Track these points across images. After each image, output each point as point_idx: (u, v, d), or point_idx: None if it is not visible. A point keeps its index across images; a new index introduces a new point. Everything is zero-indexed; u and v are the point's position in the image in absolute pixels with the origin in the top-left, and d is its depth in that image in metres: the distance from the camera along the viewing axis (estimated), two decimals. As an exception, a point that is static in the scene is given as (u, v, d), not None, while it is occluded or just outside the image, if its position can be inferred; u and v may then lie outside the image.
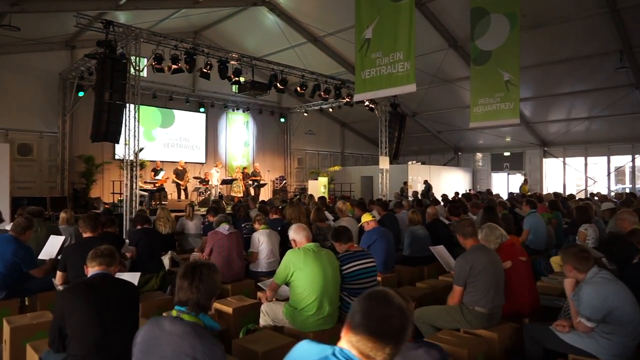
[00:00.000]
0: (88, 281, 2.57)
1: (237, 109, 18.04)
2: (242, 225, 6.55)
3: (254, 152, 19.11)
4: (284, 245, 5.11)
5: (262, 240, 4.95)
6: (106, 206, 10.30)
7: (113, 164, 14.47)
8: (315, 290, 3.12)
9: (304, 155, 21.36)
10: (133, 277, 3.60)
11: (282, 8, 14.35)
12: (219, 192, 15.04)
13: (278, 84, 12.67)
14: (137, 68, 9.86)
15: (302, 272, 3.16)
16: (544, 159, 20.94)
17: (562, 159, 20.43)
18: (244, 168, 16.42)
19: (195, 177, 14.42)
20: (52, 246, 4.60)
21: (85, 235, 3.89)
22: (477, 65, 11.85)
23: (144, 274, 4.38)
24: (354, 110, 18.38)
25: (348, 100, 14.98)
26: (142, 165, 10.95)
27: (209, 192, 14.46)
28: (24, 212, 5.61)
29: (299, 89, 13.57)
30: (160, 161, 13.78)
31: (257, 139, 19.20)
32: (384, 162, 16.44)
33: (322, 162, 22.06)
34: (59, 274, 3.82)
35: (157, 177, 12.61)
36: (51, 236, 4.71)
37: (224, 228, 4.80)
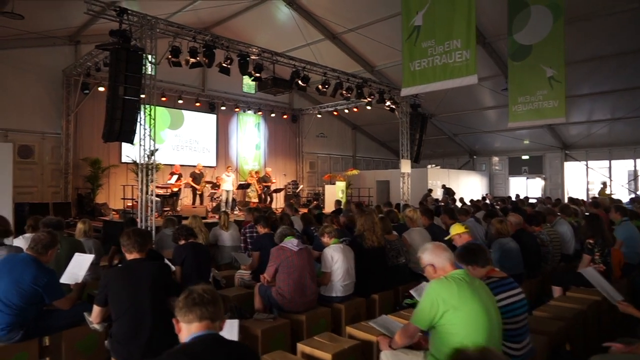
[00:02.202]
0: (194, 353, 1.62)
1: (249, 110, 17.14)
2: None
3: (266, 156, 18.18)
4: (358, 263, 4.20)
5: (335, 257, 4.02)
6: (129, 214, 9.28)
7: (120, 167, 13.50)
8: (480, 336, 2.21)
9: (315, 159, 20.48)
10: (231, 328, 2.59)
11: (300, 1, 13.49)
12: (233, 198, 14.09)
13: (299, 81, 11.76)
14: (154, 60, 8.92)
15: (458, 313, 2.25)
16: (565, 163, 20.15)
17: (584, 162, 19.65)
18: (256, 172, 15.48)
19: (207, 182, 13.48)
20: (78, 267, 3.64)
21: (130, 256, 2.96)
22: (515, 61, 11.04)
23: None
24: (366, 112, 17.57)
25: (370, 99, 14.11)
26: (157, 168, 10.02)
27: (220, 197, 13.52)
28: (36, 222, 4.64)
29: (320, 87, 12.67)
30: (180, 165, 12.87)
31: (268, 142, 18.28)
32: (406, 166, 15.56)
33: (333, 166, 21.20)
34: (96, 309, 2.88)
35: (170, 181, 11.65)
36: (76, 254, 3.74)
37: (292, 243, 3.86)
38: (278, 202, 15.99)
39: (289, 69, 12.09)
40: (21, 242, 4.53)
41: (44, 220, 4.41)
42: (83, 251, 4.19)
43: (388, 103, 14.72)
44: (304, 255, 3.87)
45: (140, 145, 8.99)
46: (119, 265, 3.53)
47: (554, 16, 10.22)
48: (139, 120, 8.63)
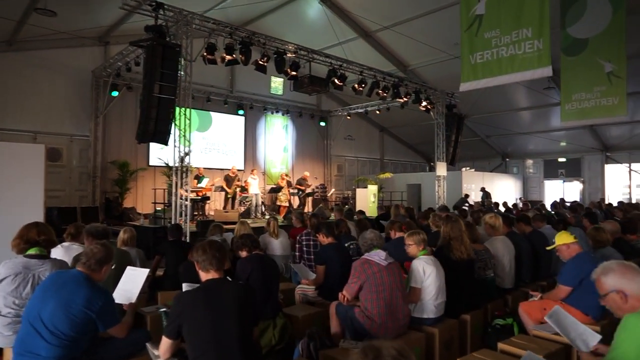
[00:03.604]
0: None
1: (277, 112, 16.66)
2: (345, 244, 5.06)
3: (293, 158, 17.65)
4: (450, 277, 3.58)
5: (428, 271, 3.41)
6: (162, 219, 8.74)
7: (148, 170, 13.11)
8: None
9: (343, 162, 19.88)
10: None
11: (333, -2, 12.97)
12: (262, 202, 13.60)
13: (336, 80, 11.21)
14: (189, 57, 8.47)
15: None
16: (605, 165, 19.16)
17: (627, 164, 18.65)
18: (286, 174, 14.95)
19: (237, 185, 12.98)
20: (131, 283, 3.11)
21: (206, 275, 2.40)
22: (569, 56, 10.29)
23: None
24: (394, 114, 16.95)
25: (406, 99, 13.49)
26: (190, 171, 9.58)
27: (249, 201, 13.02)
28: (77, 230, 4.13)
29: (356, 86, 12.11)
30: (204, 168, 12.40)
31: (296, 144, 17.75)
32: (441, 168, 14.89)
33: (361, 169, 20.59)
34: (167, 342, 2.30)
35: (200, 185, 11.18)
36: (128, 269, 3.21)
37: (379, 256, 3.26)
38: (307, 207, 15.43)
39: (324, 68, 11.58)
40: (60, 252, 4.03)
41: (89, 229, 3.89)
42: (131, 263, 3.68)
43: (424, 103, 14.09)
44: (394, 270, 3.26)
45: (175, 146, 8.54)
46: (183, 284, 2.95)
47: (613, 7, 9.49)
48: (174, 120, 8.18)
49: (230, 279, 2.51)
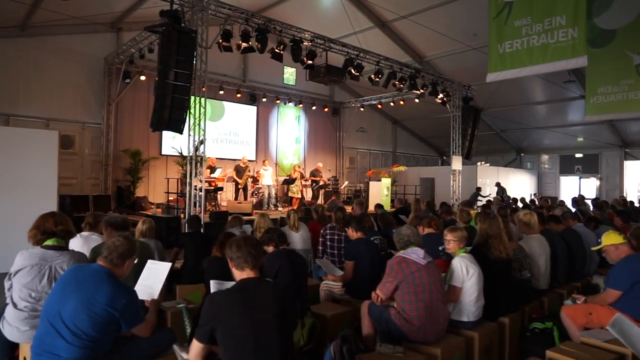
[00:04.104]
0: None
1: (289, 102, 16.42)
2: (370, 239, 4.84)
3: (305, 150, 17.43)
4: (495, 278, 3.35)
5: (471, 271, 3.17)
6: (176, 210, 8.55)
7: (160, 159, 12.97)
8: None
9: (355, 154, 19.64)
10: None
11: (350, -15, 12.66)
12: (274, 194, 13.39)
13: (353, 70, 10.93)
14: (205, 44, 8.25)
15: None
16: (625, 162, 18.73)
17: (647, 161, 18.24)
18: (298, 166, 14.74)
19: (249, 176, 12.80)
20: (153, 278, 2.92)
21: (241, 274, 2.19)
22: (595, 47, 9.91)
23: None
24: (407, 107, 16.65)
25: (422, 91, 13.19)
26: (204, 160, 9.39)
27: (262, 193, 12.84)
28: (95, 219, 3.95)
29: (373, 76, 11.83)
30: (216, 158, 12.22)
31: (308, 135, 17.52)
32: (457, 162, 14.61)
33: (373, 162, 20.34)
34: (198, 346, 2.07)
35: (213, 175, 11.00)
36: (149, 262, 3.02)
37: (417, 254, 3.05)
38: (320, 199, 15.23)
39: (339, 58, 11.32)
40: (78, 242, 3.86)
41: (108, 219, 3.70)
42: (151, 256, 3.50)
43: (440, 95, 13.78)
44: (433, 270, 3.04)
45: (190, 135, 8.36)
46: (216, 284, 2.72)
47: (644, -4, 9.12)
48: (189, 108, 8.00)
49: (267, 279, 2.30)
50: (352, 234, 4.19)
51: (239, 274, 2.22)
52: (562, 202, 12.25)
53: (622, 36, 9.50)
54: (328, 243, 4.95)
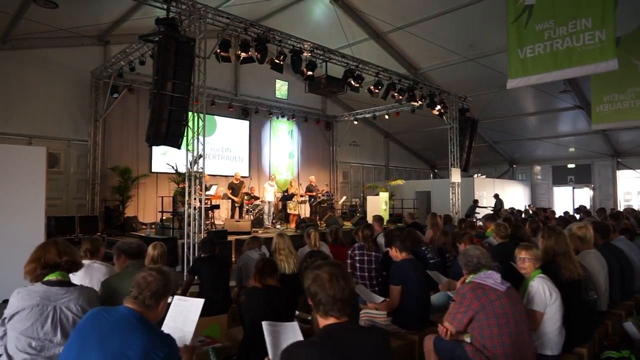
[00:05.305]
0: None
1: (282, 117, 16.00)
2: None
3: (299, 165, 16.98)
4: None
5: (554, 295, 2.72)
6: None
7: (150, 177, 12.34)
8: None
9: (348, 168, 19.27)
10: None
11: (345, -3, 12.42)
12: (271, 210, 12.87)
13: (352, 81, 10.60)
14: (204, 54, 7.79)
15: None
16: (617, 171, 18.77)
17: (639, 171, 18.29)
18: (294, 181, 14.28)
19: (245, 193, 12.27)
20: (183, 319, 2.39)
21: (326, 320, 1.68)
22: (599, 55, 9.80)
23: None
24: (399, 120, 16.37)
25: (421, 102, 12.94)
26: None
27: (261, 210, 12.32)
28: (94, 246, 3.38)
29: (372, 88, 11.52)
30: (209, 175, 11.64)
31: (301, 150, 17.09)
32: (456, 175, 14.33)
33: (366, 176, 19.99)
34: None
35: (208, 192, 10.43)
36: (176, 298, 2.49)
37: (493, 278, 2.60)
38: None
39: (338, 69, 10.99)
40: (78, 273, 3.25)
41: (120, 245, 3.12)
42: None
43: (438, 107, 13.55)
44: (515, 297, 2.59)
45: (188, 150, 7.85)
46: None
47: (648, 3, 9.06)
48: (187, 122, 7.50)
49: (362, 325, 1.81)
50: (396, 254, 3.71)
51: (323, 320, 1.71)
52: (567, 213, 11.99)
53: (626, 44, 9.41)
54: (357, 265, 4.45)
